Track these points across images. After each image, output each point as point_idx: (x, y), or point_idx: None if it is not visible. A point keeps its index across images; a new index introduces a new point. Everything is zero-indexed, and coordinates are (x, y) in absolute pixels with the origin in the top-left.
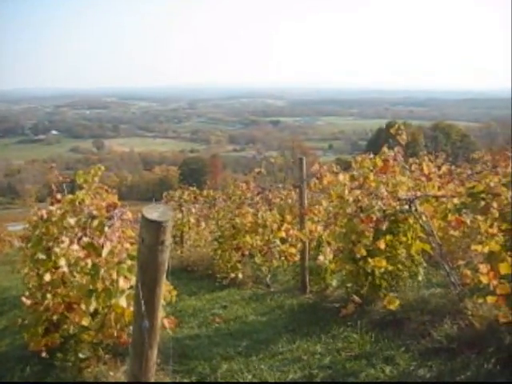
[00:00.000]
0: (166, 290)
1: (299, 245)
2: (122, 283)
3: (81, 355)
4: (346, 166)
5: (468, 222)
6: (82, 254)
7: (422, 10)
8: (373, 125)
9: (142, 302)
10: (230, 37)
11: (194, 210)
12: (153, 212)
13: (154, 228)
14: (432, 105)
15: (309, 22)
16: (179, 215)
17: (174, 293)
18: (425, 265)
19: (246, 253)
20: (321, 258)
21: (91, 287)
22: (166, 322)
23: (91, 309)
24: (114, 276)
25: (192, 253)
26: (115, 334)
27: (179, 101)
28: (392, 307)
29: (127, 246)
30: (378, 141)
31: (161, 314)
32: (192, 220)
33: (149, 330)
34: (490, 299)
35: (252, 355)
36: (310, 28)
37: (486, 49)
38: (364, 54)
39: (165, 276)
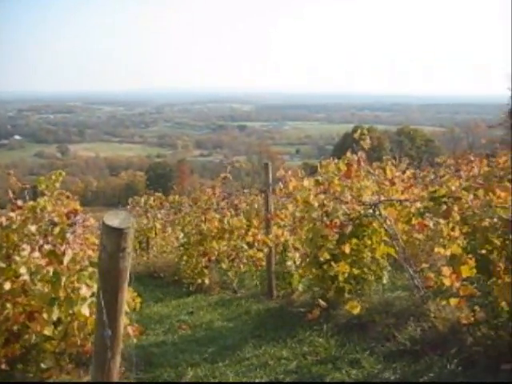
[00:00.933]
0: (130, 297)
1: (266, 250)
2: (83, 291)
3: (43, 365)
4: (313, 171)
5: (431, 225)
6: (43, 261)
7: (390, 16)
8: (339, 129)
9: (104, 310)
10: (196, 41)
11: (159, 216)
12: (114, 219)
13: (115, 235)
14: (397, 110)
15: (276, 28)
16: (145, 221)
17: (139, 300)
18: (389, 268)
19: (213, 258)
20: (288, 263)
21: (53, 295)
22: (130, 329)
23: (53, 318)
24: (76, 284)
25: (158, 259)
26: (78, 343)
27: (145, 105)
28: (354, 312)
29: (90, 252)
30: (345, 145)
31: (123, 321)
32: (158, 226)
33: (111, 339)
34: (453, 301)
35: (218, 361)
36: (276, 33)
37: (451, 55)
38: (330, 58)
39: (127, 283)
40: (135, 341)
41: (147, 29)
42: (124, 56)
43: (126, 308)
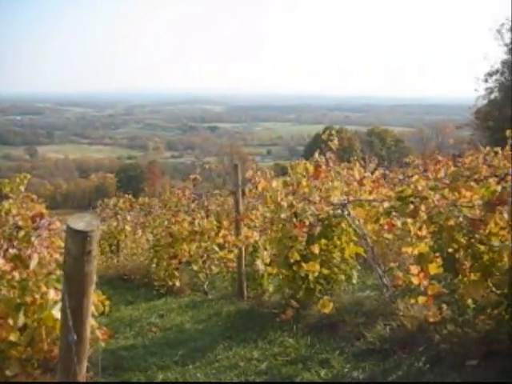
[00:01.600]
0: (98, 300)
1: (236, 251)
2: (52, 295)
3: (8, 372)
4: (285, 172)
5: (399, 224)
6: (8, 266)
7: (362, 18)
8: (310, 130)
9: (69, 314)
10: (166, 43)
11: (129, 218)
12: (79, 222)
13: (79, 238)
14: (367, 110)
15: (246, 27)
16: (114, 223)
17: (107, 303)
18: (359, 268)
19: (184, 260)
20: (257, 263)
21: (19, 301)
22: (99, 333)
23: (20, 323)
24: (44, 288)
25: (129, 261)
26: (45, 349)
27: (115, 106)
28: (326, 310)
29: (56, 256)
30: (316, 146)
31: (89, 326)
32: (128, 228)
33: (77, 343)
34: (421, 300)
35: (188, 364)
36: (247, 33)
37: (420, 57)
38: (301, 60)
39: (93, 287)
40: (104, 345)
41: (117, 29)
42: (94, 57)
43: (94, 311)
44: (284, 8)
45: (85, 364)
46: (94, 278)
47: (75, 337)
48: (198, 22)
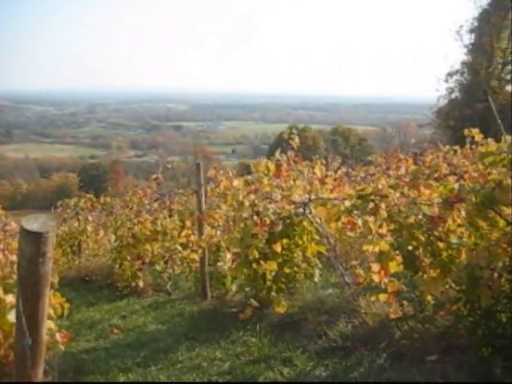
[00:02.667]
0: (57, 302)
1: (199, 250)
2: (10, 298)
3: None
4: (249, 171)
5: (360, 223)
6: None
7: (325, 17)
8: (275, 129)
9: (23, 318)
10: (130, 40)
11: (90, 218)
12: (33, 223)
13: (33, 239)
14: (331, 109)
15: (210, 28)
16: (76, 224)
17: (67, 305)
18: (320, 266)
19: (147, 261)
20: (220, 263)
21: None
22: (58, 336)
23: None
24: (0, 292)
25: (91, 262)
26: (2, 353)
27: (77, 105)
28: (281, 310)
29: (13, 258)
30: (280, 145)
31: (46, 329)
32: (89, 228)
33: (33, 347)
34: (382, 297)
35: (151, 365)
36: (211, 33)
37: (381, 57)
38: (264, 58)
39: (49, 289)
40: (63, 348)
41: (79, 26)
42: (54, 53)
43: (52, 314)
44: (248, 7)
45: (41, 368)
46: (50, 280)
47: (30, 341)
48: (162, 20)
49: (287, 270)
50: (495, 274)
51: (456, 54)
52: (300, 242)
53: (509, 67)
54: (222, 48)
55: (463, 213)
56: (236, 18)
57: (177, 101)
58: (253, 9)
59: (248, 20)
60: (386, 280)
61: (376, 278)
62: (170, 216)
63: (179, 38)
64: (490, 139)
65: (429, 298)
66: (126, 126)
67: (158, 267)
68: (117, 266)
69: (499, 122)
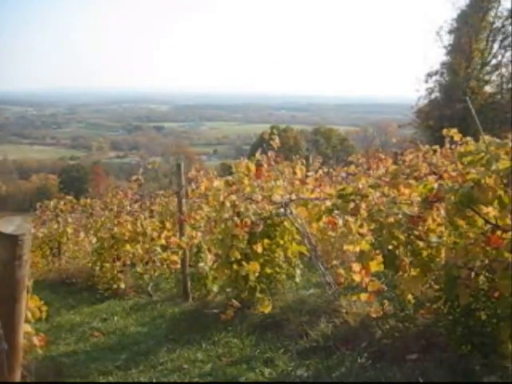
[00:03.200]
0: (35, 306)
1: (180, 252)
2: None
3: None
4: (231, 171)
5: (341, 223)
6: None
7: (303, 17)
8: (257, 129)
9: None
10: (111, 40)
11: (70, 220)
12: (8, 225)
13: (9, 242)
14: (313, 110)
15: (189, 27)
16: (55, 226)
17: (45, 308)
18: (302, 266)
19: (128, 262)
20: (200, 264)
21: None
22: (36, 340)
23: None
24: None
25: (71, 264)
26: None
27: (57, 106)
28: (265, 311)
29: None
30: (261, 145)
31: (23, 333)
32: (69, 230)
33: (9, 352)
34: (363, 296)
35: (131, 368)
36: (191, 32)
37: (362, 57)
38: (247, 59)
39: (25, 292)
40: (42, 352)
41: (57, 26)
42: (32, 53)
43: (30, 318)
44: (230, 7)
45: (18, 373)
46: (27, 284)
47: (6, 345)
48: (142, 21)
49: (268, 271)
50: (473, 273)
51: (436, 55)
52: (281, 242)
53: (487, 68)
54: (203, 49)
55: (443, 212)
56: (216, 18)
57: (159, 101)
58: (236, 9)
59: (230, 20)
60: (366, 279)
61: (357, 278)
62: (151, 217)
63: (161, 38)
64: (469, 139)
65: (409, 297)
66: (106, 126)
67: (139, 269)
68: (97, 268)
69: (478, 122)
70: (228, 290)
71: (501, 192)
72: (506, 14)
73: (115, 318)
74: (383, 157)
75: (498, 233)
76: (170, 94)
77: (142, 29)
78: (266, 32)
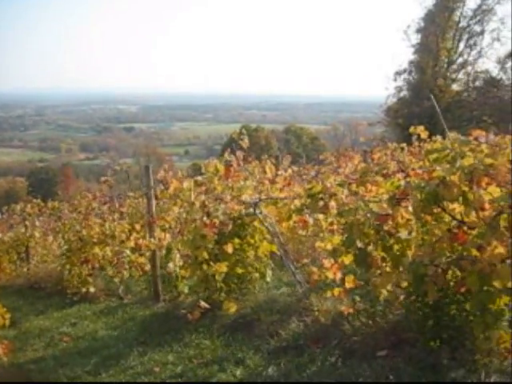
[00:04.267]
0: None
1: (148, 253)
2: None
3: None
4: (202, 172)
5: (311, 221)
6: None
7: (274, 17)
8: (228, 129)
9: None
10: (79, 41)
11: (38, 224)
12: None
13: None
14: (284, 109)
15: (157, 27)
16: (23, 230)
17: (8, 316)
18: (273, 265)
19: (96, 265)
20: (170, 265)
21: None
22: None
23: None
24: None
25: (40, 269)
26: None
27: (25, 107)
28: (230, 312)
29: None
30: (233, 145)
31: None
32: (37, 234)
33: None
34: (336, 291)
35: (101, 373)
36: (159, 32)
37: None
38: (215, 58)
39: None
40: (7, 359)
41: (25, 26)
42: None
43: None
44: (201, 6)
45: None
46: None
47: None
48: (110, 21)
49: (239, 271)
50: (439, 270)
51: (404, 54)
52: (252, 242)
53: (454, 66)
54: (173, 49)
55: (410, 208)
56: (187, 19)
57: (128, 102)
58: (206, 10)
59: (200, 20)
60: (339, 275)
61: (329, 275)
62: (122, 219)
63: (128, 38)
64: (437, 136)
65: (383, 292)
66: (75, 128)
67: (109, 272)
68: (66, 271)
69: (442, 120)
70: (199, 290)
71: (465, 188)
72: (470, 13)
73: (85, 322)
74: (352, 155)
75: (464, 229)
76: (139, 94)
77: (111, 28)
78: (237, 32)
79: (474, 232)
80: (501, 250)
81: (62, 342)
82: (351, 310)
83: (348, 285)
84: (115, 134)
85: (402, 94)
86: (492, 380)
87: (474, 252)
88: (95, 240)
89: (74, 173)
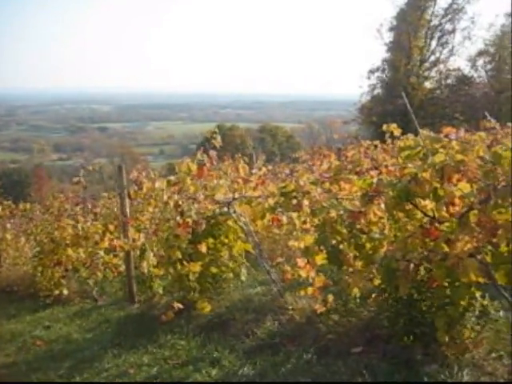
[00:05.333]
0: None
1: (121, 254)
2: None
3: None
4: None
5: (285, 220)
6: None
7: (247, 18)
8: (202, 128)
9: None
10: (51, 39)
11: (9, 226)
12: None
13: None
14: (259, 107)
15: (132, 27)
16: None
17: None
18: (248, 264)
19: (70, 267)
20: (144, 265)
21: None
22: None
23: None
24: None
25: (11, 272)
26: None
27: None
28: (205, 312)
29: None
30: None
31: None
32: (9, 237)
33: None
34: (309, 290)
35: (75, 376)
36: (134, 31)
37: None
38: (189, 58)
39: None
40: None
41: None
42: None
43: None
44: (175, 5)
45: None
46: None
47: None
48: (84, 20)
49: (214, 270)
50: (411, 265)
51: (377, 52)
52: (226, 241)
53: (426, 64)
54: (147, 48)
55: (382, 205)
56: (164, 17)
57: (101, 102)
58: (177, 9)
59: (173, 20)
60: (312, 274)
61: (303, 274)
62: (96, 220)
63: (102, 37)
64: (410, 134)
65: (355, 290)
66: (48, 128)
67: (83, 273)
68: (39, 274)
69: (414, 118)
70: (173, 290)
71: (436, 185)
72: (442, 12)
73: (58, 325)
74: (327, 153)
75: (436, 225)
76: (113, 94)
77: (84, 27)
78: (211, 30)
79: (445, 227)
80: (470, 245)
81: (35, 346)
82: (324, 309)
83: (318, 284)
84: (89, 133)
85: (375, 92)
86: (464, 373)
87: (445, 247)
88: (68, 241)
89: (47, 174)
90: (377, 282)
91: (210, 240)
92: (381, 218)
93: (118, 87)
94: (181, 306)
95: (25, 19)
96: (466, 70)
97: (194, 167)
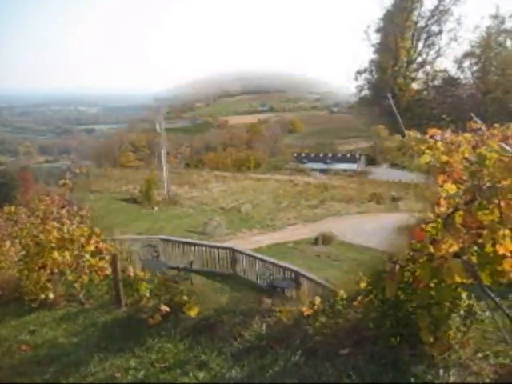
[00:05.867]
0: None
1: (108, 257)
2: None
3: None
4: None
5: None
6: None
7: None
8: None
9: None
10: (36, 40)
11: None
12: None
13: None
14: None
15: (113, 27)
16: None
17: None
18: None
19: (56, 270)
20: (129, 268)
21: None
22: None
23: None
24: None
25: None
26: None
27: None
28: (192, 314)
29: None
30: None
31: None
32: None
33: None
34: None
35: (61, 380)
36: (115, 33)
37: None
38: (189, 57)
39: None
40: None
41: None
42: None
43: None
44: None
45: None
46: None
47: None
48: (69, 21)
49: None
50: (397, 266)
51: (365, 53)
52: None
53: (413, 66)
54: (132, 48)
55: None
56: (140, 21)
57: (88, 103)
58: (177, 6)
59: (149, 22)
60: None
61: None
62: (83, 223)
63: (88, 38)
64: (397, 135)
65: (341, 292)
66: (34, 130)
67: (69, 277)
68: (24, 277)
69: (400, 119)
70: (159, 294)
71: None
72: (428, 14)
73: (44, 329)
74: None
75: (422, 226)
76: (100, 95)
77: (69, 29)
78: (211, 30)
79: (429, 228)
80: (456, 246)
81: (20, 351)
82: (311, 311)
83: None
84: (75, 135)
85: (363, 93)
86: (451, 374)
87: (430, 248)
88: (54, 244)
89: (34, 176)
90: (363, 284)
91: None
92: None
93: (105, 89)
94: (168, 309)
95: (8, 17)
96: (453, 71)
97: None
